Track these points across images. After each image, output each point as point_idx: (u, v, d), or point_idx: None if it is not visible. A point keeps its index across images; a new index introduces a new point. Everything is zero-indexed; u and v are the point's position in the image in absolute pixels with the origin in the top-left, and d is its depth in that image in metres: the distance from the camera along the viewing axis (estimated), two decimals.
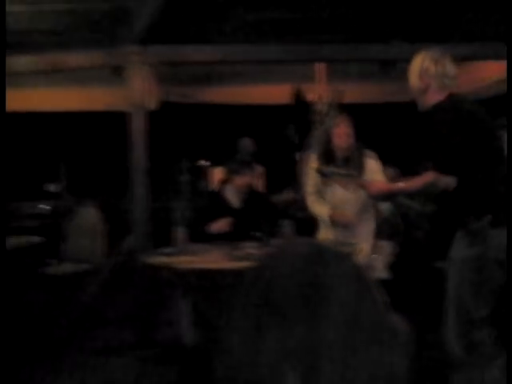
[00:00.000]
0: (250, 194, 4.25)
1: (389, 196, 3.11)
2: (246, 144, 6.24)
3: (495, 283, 2.58)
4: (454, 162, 2.53)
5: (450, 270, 2.64)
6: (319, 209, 3.78)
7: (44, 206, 7.07)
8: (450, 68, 2.68)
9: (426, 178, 2.59)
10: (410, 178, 2.76)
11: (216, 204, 4.19)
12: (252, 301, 1.63)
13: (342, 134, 3.65)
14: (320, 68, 5.76)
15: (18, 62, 4.68)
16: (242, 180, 4.16)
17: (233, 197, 4.22)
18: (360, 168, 3.60)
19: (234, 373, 1.68)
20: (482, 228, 2.53)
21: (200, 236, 4.01)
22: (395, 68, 6.13)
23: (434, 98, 2.66)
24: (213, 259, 3.41)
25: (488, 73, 5.85)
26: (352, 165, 3.60)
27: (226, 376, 1.70)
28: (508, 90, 2.82)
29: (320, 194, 3.78)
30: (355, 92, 6.47)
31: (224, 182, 4.33)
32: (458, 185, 2.53)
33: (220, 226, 4.01)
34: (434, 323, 3.01)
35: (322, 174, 3.50)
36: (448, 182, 2.52)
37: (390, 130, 6.91)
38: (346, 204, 3.71)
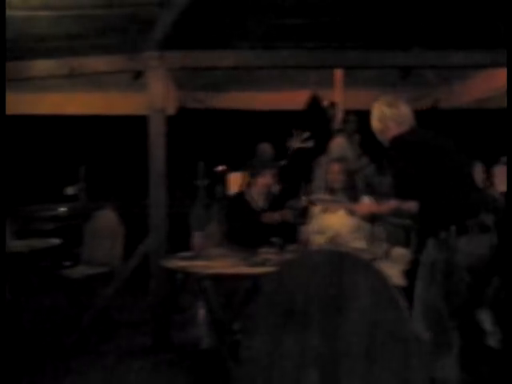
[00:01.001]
0: (273, 197, 4.33)
1: (375, 217, 3.59)
2: (265, 149, 6.25)
3: (463, 286, 2.89)
4: (411, 189, 2.93)
5: (420, 273, 2.98)
6: (320, 240, 4.15)
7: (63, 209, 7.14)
8: (404, 109, 3.17)
9: (391, 205, 3.07)
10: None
11: (240, 207, 4.25)
12: (273, 306, 1.64)
13: (334, 171, 4.21)
14: (338, 74, 5.76)
15: (39, 66, 4.74)
16: (263, 180, 4.24)
17: (256, 199, 4.28)
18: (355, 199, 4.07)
19: (253, 378, 1.69)
20: (449, 236, 2.87)
21: (230, 237, 4.06)
22: (415, 75, 6.12)
23: (392, 134, 3.11)
24: (229, 264, 3.42)
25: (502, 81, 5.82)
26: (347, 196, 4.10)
27: (244, 381, 1.71)
28: (508, 97, 3.06)
29: (320, 228, 4.20)
30: (373, 98, 6.45)
31: (247, 185, 4.42)
32: (422, 205, 2.92)
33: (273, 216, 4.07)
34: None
35: (311, 202, 4.01)
36: (410, 206, 2.93)
37: None
38: (342, 226, 4.15)
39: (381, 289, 1.52)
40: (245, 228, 4.04)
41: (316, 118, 6.38)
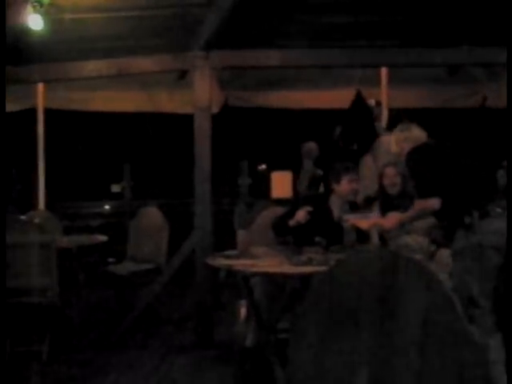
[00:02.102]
0: (351, 206, 3.96)
1: (402, 225, 3.73)
2: (311, 148, 6.17)
3: (492, 266, 3.06)
4: (433, 187, 3.26)
5: (453, 260, 3.22)
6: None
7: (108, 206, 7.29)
8: (416, 131, 3.57)
9: (418, 205, 3.37)
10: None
11: (319, 211, 3.86)
12: (323, 306, 1.63)
13: (390, 175, 4.18)
14: (383, 72, 5.68)
15: (90, 66, 4.85)
16: (341, 188, 3.89)
17: (337, 207, 3.92)
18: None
19: (301, 378, 1.69)
20: (474, 221, 3.15)
21: (302, 240, 3.81)
22: (463, 72, 5.99)
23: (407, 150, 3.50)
24: (274, 263, 3.42)
25: None
26: (403, 201, 4.05)
27: (292, 381, 1.71)
28: (508, 95, 3.22)
29: None
30: (419, 97, 6.35)
31: (329, 191, 4.08)
32: (444, 198, 3.22)
33: (299, 217, 3.75)
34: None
35: (341, 220, 3.88)
36: (433, 203, 3.23)
37: (454, 135, 6.73)
38: None
39: (435, 290, 1.50)
40: (320, 234, 3.72)
41: (361, 117, 6.32)
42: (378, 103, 5.65)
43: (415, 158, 3.42)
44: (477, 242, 3.12)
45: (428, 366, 1.48)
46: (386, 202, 4.05)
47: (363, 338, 1.59)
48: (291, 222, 3.77)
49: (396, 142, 3.60)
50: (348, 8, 4.61)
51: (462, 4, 4.55)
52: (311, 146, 6.20)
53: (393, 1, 4.51)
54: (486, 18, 4.76)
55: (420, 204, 3.36)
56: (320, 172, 6.16)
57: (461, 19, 4.88)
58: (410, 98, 6.23)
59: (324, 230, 3.77)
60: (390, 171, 4.18)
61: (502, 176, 5.77)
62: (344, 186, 3.89)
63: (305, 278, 3.17)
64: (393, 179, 4.13)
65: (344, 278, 1.64)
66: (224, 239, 4.83)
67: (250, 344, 3.83)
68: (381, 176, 4.29)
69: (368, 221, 3.68)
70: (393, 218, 3.62)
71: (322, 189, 5.82)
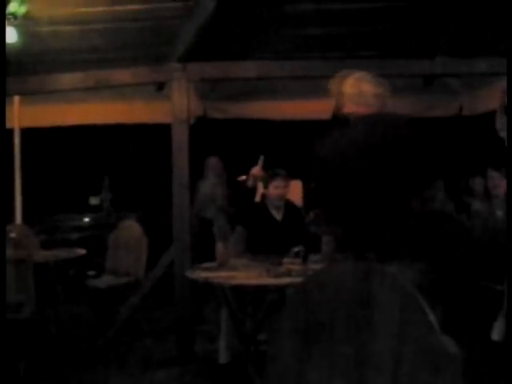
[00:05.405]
0: (288, 207, 4.25)
1: None
2: (213, 163, 6.03)
3: None
4: None
5: None
6: None
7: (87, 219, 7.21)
8: (368, 87, 2.67)
9: None
10: None
11: (260, 216, 4.20)
12: (297, 318, 1.63)
13: None
14: None
15: (66, 79, 4.81)
16: (269, 193, 4.20)
17: (273, 210, 4.23)
18: None
19: None
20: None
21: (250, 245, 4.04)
22: (438, 82, 6.08)
23: (349, 110, 2.66)
24: (253, 275, 3.41)
25: None
26: None
27: None
28: (508, 104, 3.21)
29: None
30: (396, 106, 6.41)
31: (263, 195, 4.37)
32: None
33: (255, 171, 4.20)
34: (481, 342, 2.99)
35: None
36: None
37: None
38: None
39: (409, 302, 1.50)
40: (264, 236, 4.02)
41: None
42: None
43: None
44: None
45: (404, 378, 1.48)
46: None
47: (339, 352, 1.59)
48: (249, 183, 4.20)
49: (355, 83, 2.71)
50: (325, 20, 4.65)
51: (438, 16, 4.62)
52: (213, 160, 6.01)
53: (369, 13, 4.57)
54: (461, 29, 4.84)
55: None
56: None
57: (436, 31, 4.95)
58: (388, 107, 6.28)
59: (266, 230, 4.04)
60: None
61: (479, 183, 5.84)
62: (271, 191, 4.18)
63: (284, 290, 3.17)
64: None
65: (318, 290, 1.64)
66: (204, 251, 4.80)
67: (224, 360, 3.82)
68: None
69: None
70: None
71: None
